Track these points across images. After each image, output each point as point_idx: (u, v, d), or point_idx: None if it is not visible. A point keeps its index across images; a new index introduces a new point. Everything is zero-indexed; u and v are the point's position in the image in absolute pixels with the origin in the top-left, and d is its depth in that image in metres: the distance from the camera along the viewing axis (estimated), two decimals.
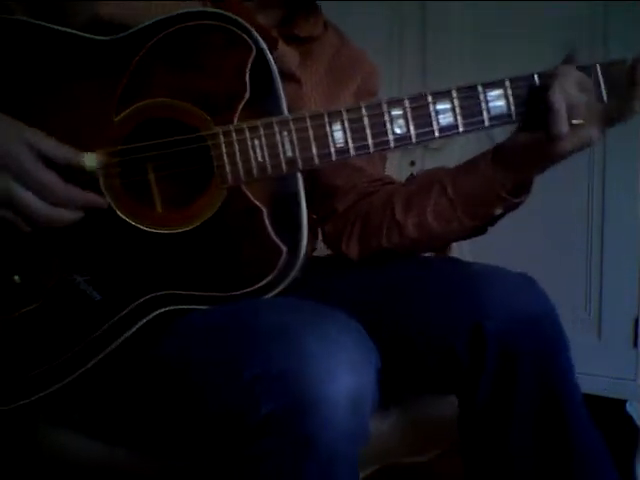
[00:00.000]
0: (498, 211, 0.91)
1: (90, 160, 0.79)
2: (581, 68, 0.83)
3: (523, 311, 0.83)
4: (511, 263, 0.90)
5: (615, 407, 1.64)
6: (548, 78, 0.82)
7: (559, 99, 0.80)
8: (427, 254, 1.04)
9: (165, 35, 0.81)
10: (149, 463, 0.87)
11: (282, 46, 0.93)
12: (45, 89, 0.82)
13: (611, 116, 0.83)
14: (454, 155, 1.03)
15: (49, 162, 0.78)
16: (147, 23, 0.81)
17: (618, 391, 1.66)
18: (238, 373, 0.67)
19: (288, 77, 0.93)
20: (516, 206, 0.91)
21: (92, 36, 0.82)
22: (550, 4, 1.61)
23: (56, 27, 0.82)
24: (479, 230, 0.95)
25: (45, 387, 0.80)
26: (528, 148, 0.85)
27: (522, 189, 0.90)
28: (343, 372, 0.66)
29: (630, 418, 1.67)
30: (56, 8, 0.85)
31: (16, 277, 0.81)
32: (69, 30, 0.82)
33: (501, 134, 0.91)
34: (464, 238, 0.98)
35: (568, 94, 0.80)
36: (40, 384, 0.80)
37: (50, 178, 0.77)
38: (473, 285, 0.86)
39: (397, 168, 1.16)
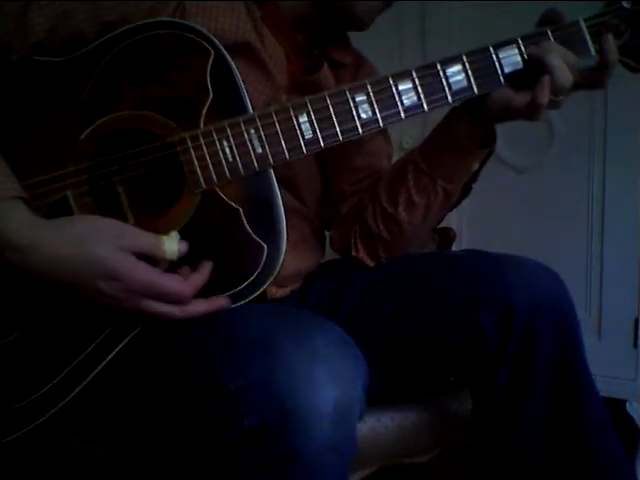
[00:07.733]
0: (475, 166, 0.97)
1: (171, 245, 0.76)
2: (566, 26, 0.86)
3: (546, 293, 0.87)
4: None
5: (615, 407, 1.63)
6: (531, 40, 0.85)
7: (547, 80, 0.83)
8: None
9: (121, 48, 0.80)
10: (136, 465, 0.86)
11: (325, 65, 0.96)
12: (9, 118, 0.81)
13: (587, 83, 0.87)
14: None
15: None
16: (102, 39, 0.81)
17: (618, 391, 1.66)
18: (223, 385, 0.67)
19: None
20: (489, 155, 0.97)
21: (47, 58, 0.82)
22: (550, 5, 1.61)
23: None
24: (465, 192, 1.00)
25: (40, 414, 0.78)
26: (504, 104, 0.87)
27: (488, 139, 0.94)
28: (327, 383, 0.65)
29: (630, 418, 1.66)
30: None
31: None
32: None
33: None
34: (455, 204, 1.02)
35: (558, 75, 0.83)
36: (33, 412, 0.78)
37: (171, 283, 0.74)
38: (500, 267, 0.89)
39: None
